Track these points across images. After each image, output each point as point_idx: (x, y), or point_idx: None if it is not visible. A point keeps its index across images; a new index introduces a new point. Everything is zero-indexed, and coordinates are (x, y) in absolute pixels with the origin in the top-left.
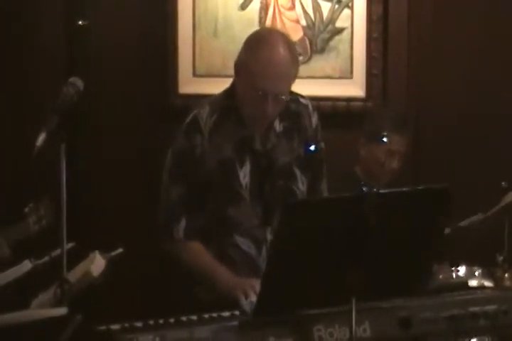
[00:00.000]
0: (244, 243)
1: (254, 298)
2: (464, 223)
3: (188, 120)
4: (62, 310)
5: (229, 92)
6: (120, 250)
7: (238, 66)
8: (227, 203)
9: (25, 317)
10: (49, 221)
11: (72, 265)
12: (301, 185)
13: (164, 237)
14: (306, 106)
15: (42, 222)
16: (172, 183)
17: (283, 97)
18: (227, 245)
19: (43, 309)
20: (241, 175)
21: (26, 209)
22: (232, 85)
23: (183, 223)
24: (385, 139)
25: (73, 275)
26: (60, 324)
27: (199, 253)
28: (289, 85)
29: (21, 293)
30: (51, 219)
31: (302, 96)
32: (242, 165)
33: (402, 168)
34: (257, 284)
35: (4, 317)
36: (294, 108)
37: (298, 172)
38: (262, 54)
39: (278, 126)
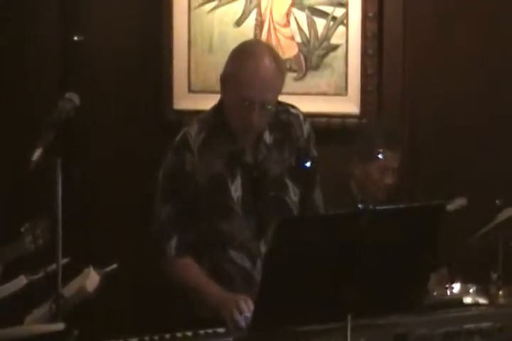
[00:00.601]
0: (238, 257)
1: (237, 316)
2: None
3: (177, 138)
4: (59, 326)
5: (217, 109)
6: (114, 266)
7: (224, 77)
8: (219, 218)
9: (22, 333)
10: (46, 241)
11: (66, 280)
12: (293, 196)
13: (157, 255)
14: (297, 115)
15: (38, 241)
16: (162, 201)
17: (269, 107)
18: (221, 260)
19: (39, 324)
20: (232, 189)
21: (23, 229)
22: (220, 101)
23: (174, 240)
24: (380, 156)
25: (68, 291)
26: (56, 340)
27: (190, 270)
28: (276, 95)
29: (16, 308)
30: (47, 238)
31: (292, 106)
32: (233, 180)
33: (396, 183)
34: (242, 300)
35: (1, 332)
36: (285, 118)
37: (289, 183)
38: (248, 64)
39: (268, 137)
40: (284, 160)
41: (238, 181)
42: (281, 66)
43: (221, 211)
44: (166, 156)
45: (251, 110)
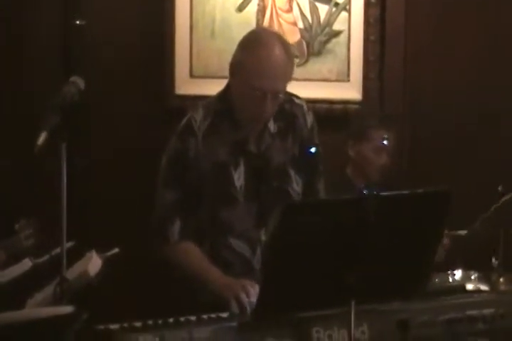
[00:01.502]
0: (238, 244)
1: (244, 298)
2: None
3: (182, 123)
4: (67, 309)
5: (223, 95)
6: (116, 250)
7: (234, 67)
8: (221, 205)
9: (30, 315)
10: (37, 240)
11: (69, 264)
12: (296, 186)
13: (158, 240)
14: (301, 106)
15: (31, 239)
16: (166, 186)
17: (280, 96)
18: (221, 247)
19: (47, 307)
20: (235, 177)
21: (16, 226)
22: (226, 88)
23: (177, 225)
24: (385, 142)
25: (70, 275)
26: (64, 322)
27: (192, 254)
28: (286, 83)
29: (20, 291)
30: (39, 239)
31: (297, 97)
32: (236, 168)
33: (391, 163)
34: (248, 285)
35: (9, 315)
36: (288, 108)
37: (292, 173)
38: (259, 53)
39: (272, 126)
40: (287, 149)
41: (241, 169)
42: (291, 54)
43: (223, 199)
44: (170, 141)
45: (263, 100)
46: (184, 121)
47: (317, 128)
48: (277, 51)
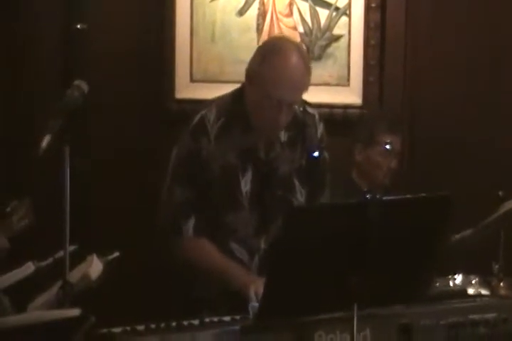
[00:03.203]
0: (238, 250)
1: None
2: (458, 236)
3: (194, 121)
4: (74, 312)
5: (237, 97)
6: (117, 254)
7: (251, 74)
8: (226, 209)
9: (37, 318)
10: (31, 221)
11: (70, 268)
12: (300, 196)
13: (172, 237)
14: (313, 116)
15: (24, 220)
16: (177, 184)
17: (296, 106)
18: (221, 250)
19: (54, 310)
20: (242, 182)
21: (8, 209)
22: (241, 90)
23: (191, 221)
24: (388, 147)
25: (71, 278)
26: (72, 325)
27: (210, 251)
28: (302, 94)
29: (23, 295)
30: (32, 219)
31: (309, 105)
32: (244, 173)
33: (398, 168)
34: None
35: (17, 317)
36: (301, 117)
37: (297, 184)
38: (277, 63)
39: (283, 135)
40: (294, 159)
41: (249, 175)
42: (308, 64)
43: (229, 203)
44: (182, 138)
45: (278, 109)
46: (197, 119)
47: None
48: (295, 61)
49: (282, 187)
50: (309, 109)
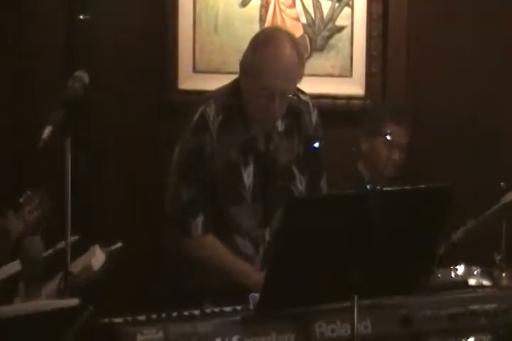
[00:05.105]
0: (242, 243)
1: None
2: (458, 233)
3: (195, 118)
4: (73, 301)
5: (233, 90)
6: (119, 244)
7: (244, 65)
8: (229, 204)
9: (37, 308)
10: (45, 211)
11: (72, 258)
12: (300, 185)
13: (181, 235)
14: (307, 103)
15: (38, 211)
16: (183, 182)
17: (289, 96)
18: (226, 245)
19: (54, 300)
20: (245, 176)
21: (21, 200)
22: (236, 83)
23: (200, 218)
24: (388, 137)
25: (74, 269)
26: (71, 315)
27: (219, 249)
28: (296, 84)
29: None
30: (47, 209)
31: (302, 92)
32: (246, 167)
33: (404, 159)
34: None
35: (14, 307)
36: (295, 105)
37: (297, 172)
38: (269, 52)
39: (280, 125)
40: (292, 148)
41: (250, 168)
42: (301, 54)
43: (232, 197)
44: (185, 136)
45: (271, 99)
46: (198, 115)
47: (321, 125)
48: (287, 51)
49: (282, 177)
50: (302, 97)
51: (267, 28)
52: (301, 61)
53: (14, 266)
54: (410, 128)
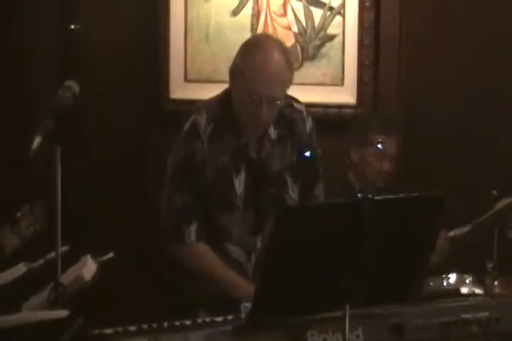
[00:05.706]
0: (234, 251)
1: None
2: (452, 234)
3: (186, 126)
4: (63, 313)
5: (224, 100)
6: (111, 254)
7: (233, 71)
8: (221, 211)
9: (26, 319)
10: (42, 225)
11: (63, 269)
12: (292, 193)
13: (174, 242)
14: (301, 111)
15: (34, 226)
16: (176, 190)
17: (278, 102)
18: (217, 252)
19: (43, 311)
20: (236, 184)
21: (18, 214)
22: (227, 93)
23: (194, 226)
24: (379, 146)
25: (65, 279)
26: (60, 326)
27: (210, 258)
28: (284, 90)
29: (15, 295)
30: (44, 223)
31: (297, 101)
32: (237, 174)
33: (394, 170)
34: None
35: (3, 318)
36: (288, 114)
37: (289, 180)
38: (257, 58)
39: (273, 133)
40: (285, 156)
41: (242, 176)
42: (290, 61)
43: (224, 205)
44: (176, 145)
45: (259, 105)
46: (188, 124)
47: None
48: (276, 57)
49: (275, 185)
50: (296, 105)
51: (257, 35)
52: (290, 67)
53: (18, 270)
54: (400, 138)
